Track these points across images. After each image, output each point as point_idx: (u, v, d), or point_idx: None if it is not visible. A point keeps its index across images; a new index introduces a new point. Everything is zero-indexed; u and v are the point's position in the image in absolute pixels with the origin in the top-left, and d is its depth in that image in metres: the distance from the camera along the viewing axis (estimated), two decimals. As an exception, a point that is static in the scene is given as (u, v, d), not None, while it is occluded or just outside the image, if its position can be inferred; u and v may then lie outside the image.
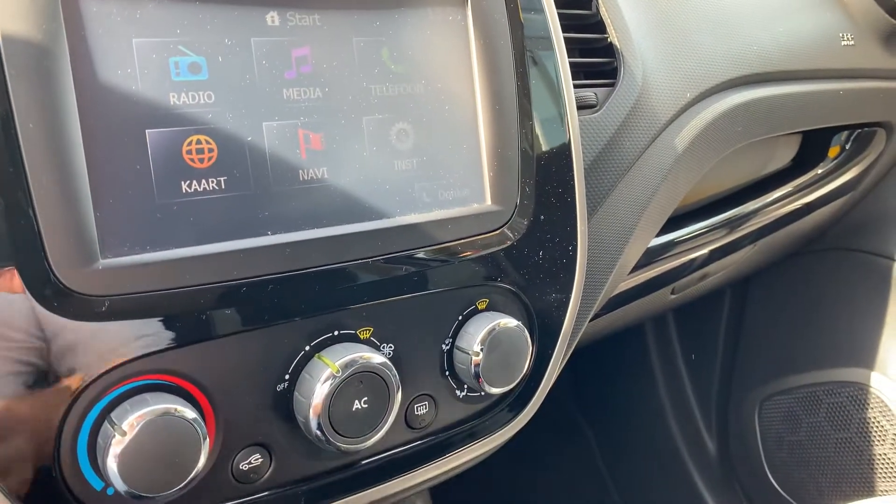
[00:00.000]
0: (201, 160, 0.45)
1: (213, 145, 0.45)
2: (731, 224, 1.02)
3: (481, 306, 0.57)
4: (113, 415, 0.42)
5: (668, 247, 0.91)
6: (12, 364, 0.40)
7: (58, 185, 0.40)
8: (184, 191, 0.44)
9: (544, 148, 0.58)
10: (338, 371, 0.47)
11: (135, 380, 0.43)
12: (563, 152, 0.60)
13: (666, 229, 0.87)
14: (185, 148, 0.44)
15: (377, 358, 0.49)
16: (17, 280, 0.40)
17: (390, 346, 0.52)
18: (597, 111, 0.70)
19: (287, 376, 0.48)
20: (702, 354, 1.51)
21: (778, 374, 1.40)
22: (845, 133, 1.15)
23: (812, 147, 1.14)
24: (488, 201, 0.56)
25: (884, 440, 1.26)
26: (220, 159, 0.45)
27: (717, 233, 1.00)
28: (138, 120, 0.43)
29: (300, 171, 0.48)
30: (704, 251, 0.99)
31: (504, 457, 0.70)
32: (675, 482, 1.53)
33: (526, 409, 0.62)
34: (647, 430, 1.55)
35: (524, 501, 1.59)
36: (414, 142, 0.53)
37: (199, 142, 0.44)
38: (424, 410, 0.56)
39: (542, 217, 0.58)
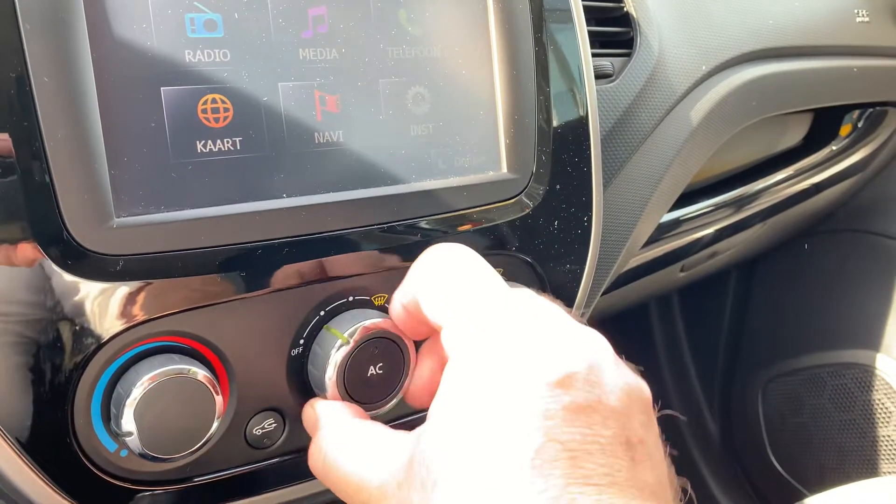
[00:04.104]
0: (216, 119, 0.44)
1: (229, 105, 0.44)
2: (741, 202, 1.01)
3: (496, 275, 0.56)
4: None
5: (679, 223, 0.90)
6: (25, 325, 0.40)
7: (73, 142, 0.39)
8: (199, 150, 0.43)
9: (561, 116, 0.58)
10: (346, 340, 0.46)
11: (149, 341, 0.43)
12: (581, 121, 0.59)
13: (677, 205, 0.86)
14: (200, 107, 0.43)
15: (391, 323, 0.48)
16: (30, 239, 0.39)
17: (405, 313, 0.52)
18: (612, 81, 0.69)
19: (301, 341, 0.48)
20: (706, 335, 1.51)
21: (782, 355, 1.40)
22: (857, 112, 1.15)
23: (823, 125, 1.13)
24: (504, 169, 0.55)
25: (888, 422, 1.26)
26: (236, 119, 0.44)
27: (727, 210, 0.99)
28: (153, 77, 0.42)
29: (316, 134, 0.47)
30: (714, 228, 0.98)
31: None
32: (676, 462, 1.53)
33: (538, 381, 0.62)
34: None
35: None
36: (430, 106, 0.52)
37: (214, 101, 0.44)
38: (437, 379, 0.55)
39: (558, 186, 0.57)
